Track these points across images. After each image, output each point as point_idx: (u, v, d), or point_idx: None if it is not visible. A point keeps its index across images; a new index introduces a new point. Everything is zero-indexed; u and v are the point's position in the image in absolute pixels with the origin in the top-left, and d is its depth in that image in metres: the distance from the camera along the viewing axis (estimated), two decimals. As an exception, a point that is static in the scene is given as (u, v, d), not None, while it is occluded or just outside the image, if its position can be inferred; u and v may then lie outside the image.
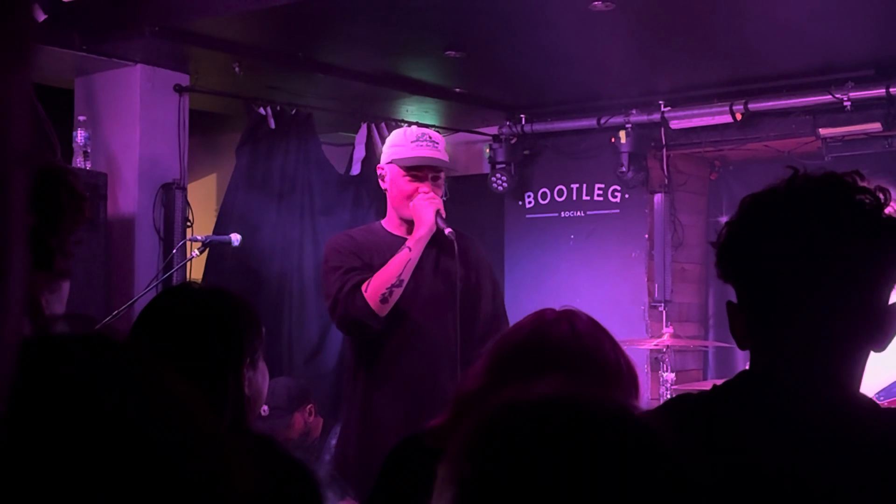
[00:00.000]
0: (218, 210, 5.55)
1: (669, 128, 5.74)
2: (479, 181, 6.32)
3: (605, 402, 0.92)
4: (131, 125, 4.97)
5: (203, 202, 6.08)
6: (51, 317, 1.84)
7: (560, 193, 6.26)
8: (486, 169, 6.28)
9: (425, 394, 3.26)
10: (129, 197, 4.97)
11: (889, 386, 3.43)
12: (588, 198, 6.17)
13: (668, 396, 4.62)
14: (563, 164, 6.22)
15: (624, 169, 5.81)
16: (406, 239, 3.33)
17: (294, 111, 5.60)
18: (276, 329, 5.37)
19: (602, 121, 5.91)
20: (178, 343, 1.78)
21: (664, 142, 5.85)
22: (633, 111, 5.82)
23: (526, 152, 6.27)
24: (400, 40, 4.83)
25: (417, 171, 3.35)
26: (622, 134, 5.79)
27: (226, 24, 4.54)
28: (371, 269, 3.29)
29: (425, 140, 3.39)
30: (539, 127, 6.18)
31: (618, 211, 6.07)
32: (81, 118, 4.84)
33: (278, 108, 5.50)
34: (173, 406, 0.64)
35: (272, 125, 5.46)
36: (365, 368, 3.36)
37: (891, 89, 5.01)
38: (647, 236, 5.98)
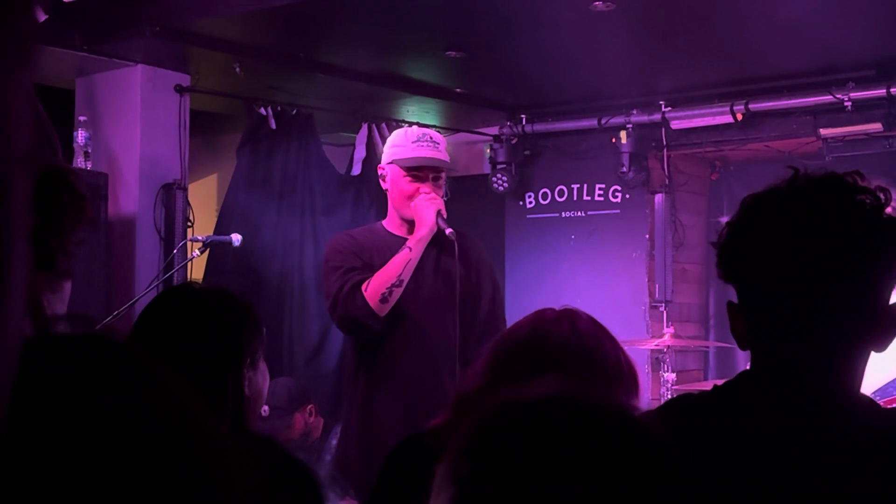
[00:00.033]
0: (219, 210, 5.56)
1: (670, 128, 5.74)
2: (480, 181, 6.32)
3: (604, 402, 0.92)
4: (132, 125, 4.97)
5: (204, 202, 6.08)
6: (52, 317, 1.84)
7: (561, 193, 6.26)
8: (487, 169, 6.28)
9: (425, 394, 3.26)
10: (129, 197, 4.97)
11: (885, 385, 3.43)
12: (589, 198, 6.17)
13: (669, 397, 4.62)
14: (564, 164, 6.22)
15: (625, 169, 5.81)
16: (407, 239, 3.33)
17: (295, 111, 5.60)
18: (277, 329, 5.37)
19: (603, 121, 5.91)
20: (179, 343, 1.78)
21: (665, 142, 5.85)
22: (634, 111, 5.82)
23: (527, 152, 6.27)
24: (400, 40, 4.83)
25: (418, 171, 3.35)
26: (623, 134, 5.79)
27: (226, 25, 4.54)
28: (371, 269, 3.29)
29: (426, 140, 3.39)
30: (540, 127, 6.18)
31: (618, 211, 6.07)
32: (82, 118, 4.84)
33: (279, 108, 5.50)
34: (173, 406, 0.64)
35: (273, 125, 5.46)
36: (365, 368, 3.36)
37: (891, 89, 5.01)
38: (647, 236, 5.98)
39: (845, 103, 5.13)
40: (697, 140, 5.78)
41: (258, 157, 5.47)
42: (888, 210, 1.35)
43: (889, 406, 3.32)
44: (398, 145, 3.42)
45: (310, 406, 4.68)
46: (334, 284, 3.28)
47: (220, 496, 0.63)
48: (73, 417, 0.60)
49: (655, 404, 4.38)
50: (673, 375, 4.88)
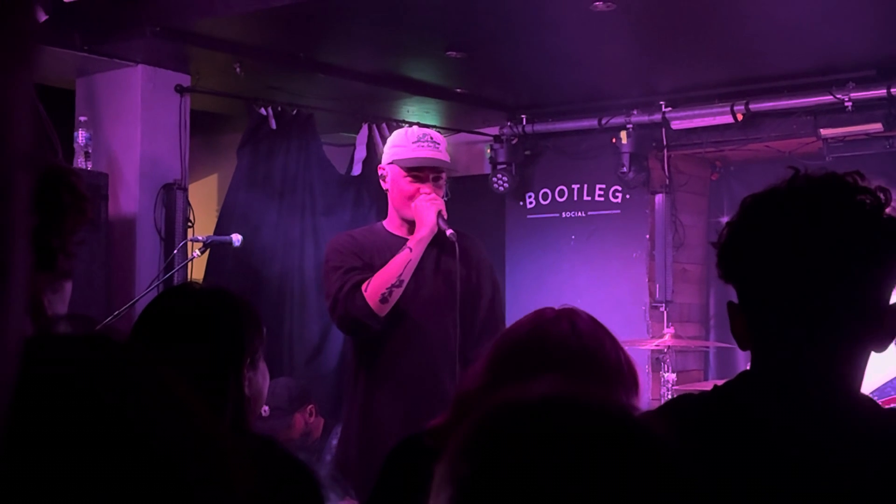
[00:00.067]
0: (219, 210, 5.56)
1: (670, 128, 5.74)
2: (480, 181, 6.32)
3: (604, 402, 0.92)
4: (132, 125, 4.97)
5: (204, 202, 6.08)
6: (53, 317, 1.84)
7: (561, 194, 6.26)
8: (487, 169, 6.28)
9: (426, 394, 3.26)
10: (130, 197, 4.97)
11: (883, 385, 3.43)
12: (589, 198, 6.17)
13: (669, 397, 4.62)
14: (564, 164, 6.22)
15: (625, 169, 5.81)
16: (407, 239, 3.33)
17: (295, 111, 5.60)
18: (277, 329, 5.37)
19: (603, 121, 5.92)
20: (179, 343, 1.78)
21: (665, 142, 5.85)
22: (634, 111, 5.82)
23: (527, 152, 6.27)
24: (401, 40, 4.83)
25: (419, 171, 3.35)
26: (623, 134, 5.79)
27: (227, 25, 4.54)
28: (371, 269, 3.29)
29: (426, 140, 3.39)
30: (540, 127, 6.18)
31: (619, 211, 6.07)
32: (82, 118, 4.84)
33: (279, 108, 5.50)
34: (173, 406, 0.64)
35: (273, 125, 5.46)
36: (365, 368, 3.36)
37: (892, 90, 5.01)
38: (648, 237, 5.98)
39: (846, 103, 5.13)
40: (698, 140, 5.78)
41: (258, 157, 5.47)
42: (888, 210, 1.35)
43: (887, 406, 3.32)
44: (399, 145, 3.42)
45: (310, 406, 4.68)
46: (334, 284, 3.28)
47: (220, 496, 0.63)
48: (74, 417, 0.60)
49: (656, 404, 4.38)
50: (673, 376, 4.88)
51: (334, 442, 4.28)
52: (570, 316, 1.79)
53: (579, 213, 6.19)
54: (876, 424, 1.35)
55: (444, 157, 3.41)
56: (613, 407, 0.92)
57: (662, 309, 5.92)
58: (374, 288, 3.23)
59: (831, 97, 5.17)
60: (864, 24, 4.41)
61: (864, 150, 5.29)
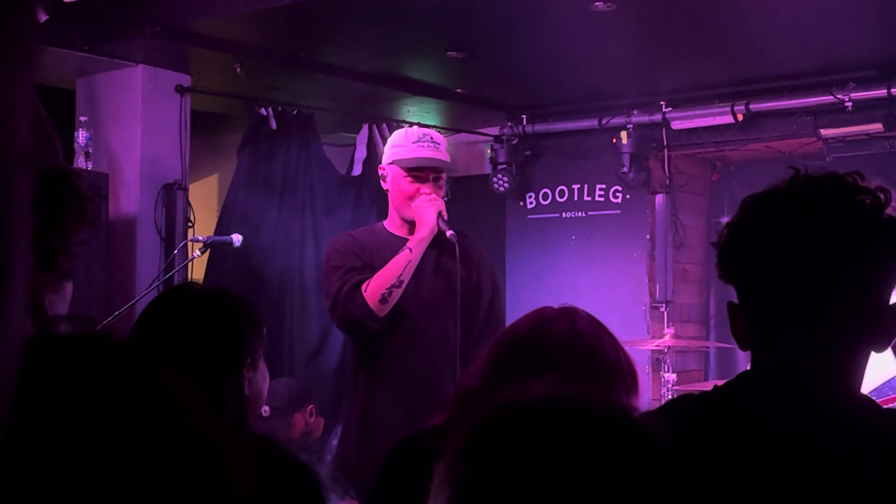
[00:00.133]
0: (219, 210, 5.56)
1: (671, 128, 5.74)
2: (481, 181, 6.32)
3: (603, 403, 0.92)
4: (133, 126, 4.97)
5: (204, 203, 6.09)
6: (54, 317, 1.84)
7: (561, 194, 6.26)
8: (488, 169, 6.28)
9: (426, 394, 3.26)
10: (130, 197, 4.97)
11: (881, 386, 3.43)
12: (589, 198, 6.17)
13: (670, 397, 4.62)
14: (565, 164, 6.22)
15: (625, 169, 5.82)
16: (408, 239, 3.33)
17: (295, 111, 5.60)
18: (278, 329, 5.37)
19: (603, 121, 5.92)
20: (179, 343, 1.79)
21: (665, 142, 5.85)
22: (635, 112, 5.82)
23: (527, 153, 6.27)
24: (401, 41, 4.83)
25: (418, 171, 3.35)
26: (623, 134, 5.79)
27: (227, 25, 4.54)
28: (372, 269, 3.29)
29: (426, 141, 3.39)
30: (540, 127, 6.18)
31: (619, 211, 6.07)
32: (83, 119, 4.84)
33: (279, 108, 5.50)
34: (173, 406, 0.64)
35: (273, 126, 5.46)
36: (366, 369, 3.36)
37: (892, 90, 5.01)
38: (648, 237, 5.98)
39: (846, 103, 5.13)
40: (698, 140, 5.78)
41: (259, 157, 5.47)
42: (888, 210, 1.35)
43: (886, 406, 3.32)
44: (399, 146, 3.42)
45: (310, 406, 4.67)
46: (334, 284, 3.28)
47: (220, 496, 0.63)
48: (74, 417, 0.60)
49: (656, 405, 4.38)
50: (673, 376, 4.88)
51: (334, 442, 4.28)
52: (570, 315, 1.79)
53: (579, 214, 6.19)
54: (876, 424, 1.35)
55: (445, 157, 3.40)
56: (612, 407, 0.92)
57: (663, 309, 5.92)
58: (374, 288, 3.23)
59: (832, 97, 5.17)
60: (865, 24, 4.41)
61: (864, 151, 5.28)
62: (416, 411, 3.18)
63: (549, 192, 6.29)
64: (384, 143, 3.81)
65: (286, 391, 4.57)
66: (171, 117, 5.05)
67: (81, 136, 4.72)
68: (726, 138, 5.70)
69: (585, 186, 6.17)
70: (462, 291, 3.32)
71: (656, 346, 4.89)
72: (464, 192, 5.90)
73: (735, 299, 1.42)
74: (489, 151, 6.28)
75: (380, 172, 3.47)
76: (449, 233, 3.29)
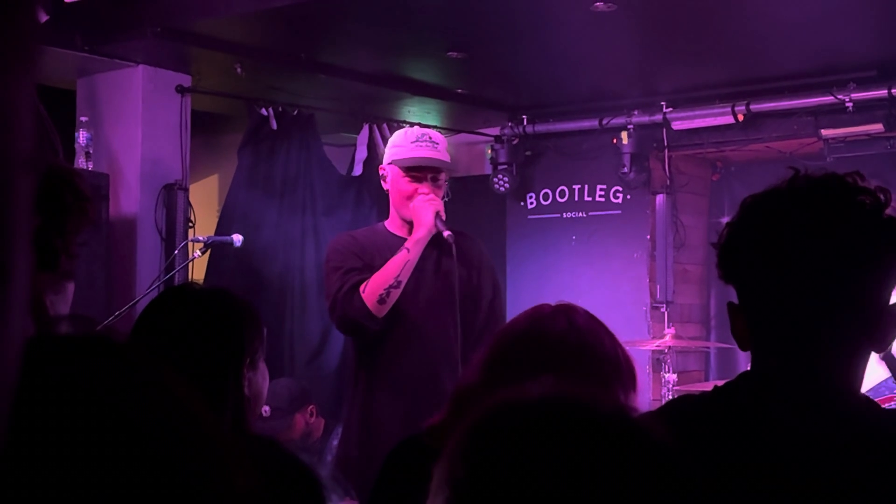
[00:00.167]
0: (220, 211, 5.56)
1: (671, 129, 5.74)
2: (481, 182, 6.32)
3: (601, 403, 0.92)
4: (133, 126, 4.98)
5: (205, 203, 6.09)
6: (55, 317, 1.84)
7: (562, 194, 6.25)
8: (488, 170, 6.28)
9: (426, 394, 3.26)
10: (130, 198, 4.97)
11: (877, 385, 3.43)
12: (590, 198, 6.17)
13: (670, 397, 4.62)
14: (565, 164, 6.22)
15: (626, 170, 5.81)
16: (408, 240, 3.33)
17: (296, 112, 5.60)
18: (278, 330, 5.37)
19: (604, 121, 5.91)
20: (179, 343, 1.79)
21: (666, 143, 5.85)
22: (635, 112, 5.82)
23: (528, 153, 6.27)
24: (402, 41, 4.83)
25: (416, 171, 3.34)
26: (624, 135, 5.79)
27: (227, 25, 4.54)
28: (372, 269, 3.28)
29: (425, 140, 3.38)
30: (541, 128, 6.18)
31: (619, 212, 6.07)
32: (83, 119, 4.84)
33: (280, 108, 5.50)
34: (173, 406, 0.64)
35: (274, 126, 5.46)
36: (366, 369, 3.36)
37: (893, 90, 5.01)
38: (648, 237, 5.98)
39: (846, 104, 5.13)
40: (699, 141, 5.78)
41: (259, 157, 5.47)
42: (888, 210, 1.35)
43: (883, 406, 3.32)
44: (398, 145, 3.42)
45: (311, 406, 4.67)
46: (334, 285, 3.28)
47: (220, 496, 0.64)
48: (74, 417, 0.60)
49: (656, 405, 4.38)
50: (674, 376, 4.88)
51: (335, 442, 4.28)
52: (567, 312, 1.79)
53: (580, 214, 6.19)
54: (876, 424, 1.35)
55: (443, 156, 3.39)
56: (611, 408, 0.92)
57: (663, 309, 5.92)
58: (372, 289, 3.22)
59: (832, 98, 5.17)
60: (865, 25, 4.41)
61: (864, 151, 5.28)
62: (416, 411, 3.17)
63: (549, 192, 6.29)
64: (385, 143, 3.81)
65: (287, 391, 4.57)
66: (171, 117, 5.05)
67: (82, 136, 4.73)
68: (727, 139, 5.70)
69: (586, 187, 6.17)
70: (462, 292, 3.32)
71: (657, 346, 4.89)
72: (464, 193, 5.90)
73: (735, 300, 1.42)
74: (489, 152, 6.28)
75: (380, 173, 3.47)
76: (446, 233, 3.28)
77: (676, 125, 5.70)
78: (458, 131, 6.45)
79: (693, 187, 6.20)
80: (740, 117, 5.48)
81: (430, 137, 3.41)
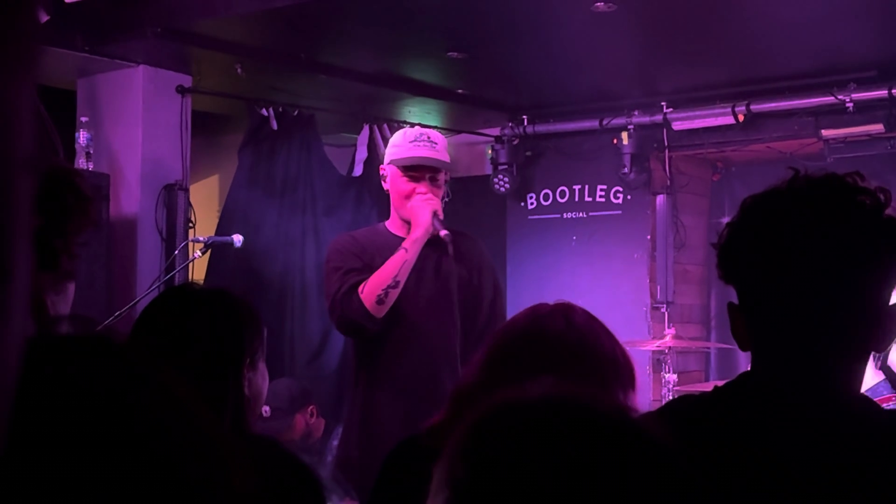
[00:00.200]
0: (220, 211, 5.56)
1: (672, 129, 5.74)
2: (481, 182, 6.32)
3: (601, 403, 0.92)
4: (133, 126, 4.98)
5: (205, 203, 6.09)
6: (56, 317, 1.84)
7: (562, 194, 6.26)
8: (489, 170, 6.28)
9: (426, 394, 3.25)
10: (131, 198, 4.97)
11: (875, 385, 3.43)
12: (590, 199, 6.17)
13: (670, 397, 4.62)
14: (566, 165, 6.22)
15: (626, 170, 5.82)
16: (408, 240, 3.33)
17: (296, 112, 5.60)
18: (278, 330, 5.37)
19: (604, 122, 5.92)
20: (179, 344, 1.79)
21: (666, 143, 5.85)
22: (636, 112, 5.82)
23: (528, 153, 6.27)
24: (402, 41, 4.84)
25: (414, 171, 3.34)
26: (624, 135, 5.79)
27: (228, 26, 4.55)
28: (372, 270, 3.28)
29: (423, 140, 3.38)
30: (541, 128, 6.18)
31: (620, 212, 6.07)
32: (84, 119, 4.84)
33: (280, 109, 5.50)
34: (173, 407, 0.64)
35: (274, 126, 5.47)
36: (366, 370, 3.35)
37: (893, 91, 5.01)
38: (649, 237, 5.98)
39: (847, 104, 5.13)
40: (699, 141, 5.78)
41: (260, 157, 5.47)
42: (888, 210, 1.35)
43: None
44: (396, 145, 3.42)
45: (311, 407, 4.67)
46: (333, 286, 3.27)
47: (220, 496, 0.64)
48: (75, 417, 0.60)
49: (657, 405, 4.38)
50: (674, 376, 4.88)
51: (335, 443, 4.28)
52: (566, 311, 1.79)
53: (580, 214, 6.19)
54: (876, 425, 1.35)
55: (442, 156, 3.38)
56: (611, 408, 0.92)
57: (663, 310, 5.92)
58: (370, 289, 3.22)
59: (832, 98, 5.17)
60: (865, 25, 4.41)
61: (865, 151, 5.29)
62: (416, 412, 3.17)
63: (549, 192, 6.29)
64: (385, 143, 3.81)
65: (287, 392, 4.57)
66: (171, 118, 5.05)
67: (82, 136, 4.73)
68: (727, 139, 5.70)
69: (586, 187, 6.17)
70: (462, 293, 3.32)
71: (657, 346, 4.89)
72: (464, 193, 5.90)
73: (735, 300, 1.42)
74: (490, 152, 6.28)
75: (381, 173, 3.47)
76: (443, 233, 3.27)
77: (677, 125, 5.70)
78: (459, 131, 6.45)
79: (693, 188, 6.20)
80: (741, 117, 5.48)
81: (429, 137, 3.41)
